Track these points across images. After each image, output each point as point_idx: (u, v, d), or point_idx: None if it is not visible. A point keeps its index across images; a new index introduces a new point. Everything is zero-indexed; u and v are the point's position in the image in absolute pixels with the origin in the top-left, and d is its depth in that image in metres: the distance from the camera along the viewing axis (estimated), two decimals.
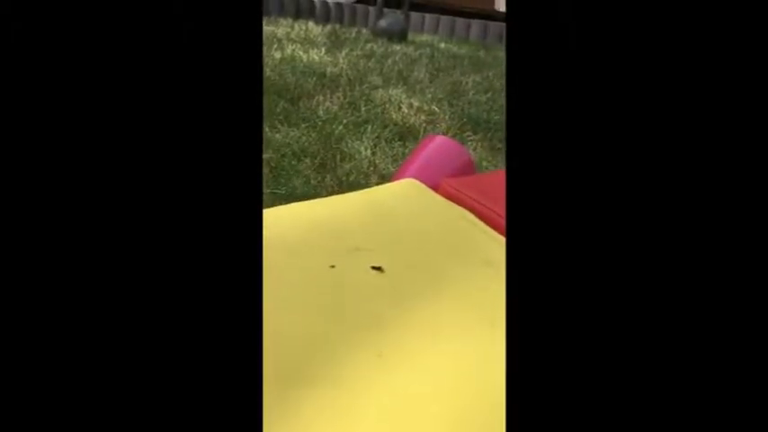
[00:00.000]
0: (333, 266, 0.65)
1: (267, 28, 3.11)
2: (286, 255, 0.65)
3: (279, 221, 0.73)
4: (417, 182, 0.97)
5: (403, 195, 0.90)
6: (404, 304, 0.60)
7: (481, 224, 0.82)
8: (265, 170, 1.35)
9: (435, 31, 4.04)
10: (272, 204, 1.17)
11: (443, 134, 1.85)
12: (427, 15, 4.03)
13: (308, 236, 0.71)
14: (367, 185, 1.35)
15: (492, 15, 4.37)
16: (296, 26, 3.26)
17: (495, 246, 0.76)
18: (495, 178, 1.04)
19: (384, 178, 1.40)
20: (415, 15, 3.94)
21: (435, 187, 1.00)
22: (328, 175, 1.36)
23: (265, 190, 1.25)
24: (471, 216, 0.85)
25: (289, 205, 0.80)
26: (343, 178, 1.34)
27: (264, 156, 1.42)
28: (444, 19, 4.06)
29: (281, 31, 3.08)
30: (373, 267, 0.64)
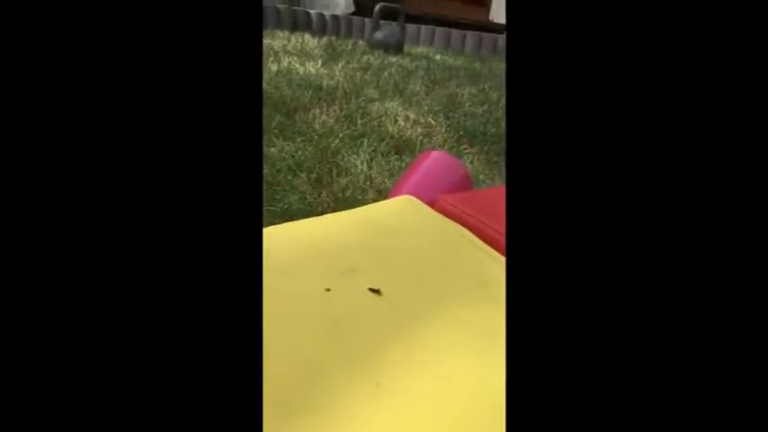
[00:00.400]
0: (328, 289, 0.64)
1: (264, 41, 3.11)
2: (280, 277, 0.64)
3: (272, 242, 0.72)
4: (414, 198, 0.96)
5: (399, 213, 0.89)
6: (402, 329, 0.59)
7: (479, 242, 0.81)
8: None
9: (431, 42, 4.05)
10: (268, 221, 1.16)
11: (440, 147, 1.85)
12: (423, 27, 4.05)
13: (302, 257, 0.70)
14: (363, 201, 1.34)
15: (487, 27, 4.39)
16: (292, 39, 3.27)
17: (494, 265, 0.75)
18: (492, 194, 1.03)
19: (380, 193, 1.39)
20: (410, 27, 3.96)
21: (432, 203, 0.99)
22: (324, 191, 1.35)
23: None
24: (468, 233, 0.84)
25: (282, 225, 0.79)
26: (339, 194, 1.33)
27: None
28: (440, 30, 4.08)
29: (277, 44, 3.09)
30: (371, 290, 0.63)
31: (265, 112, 1.86)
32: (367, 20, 3.75)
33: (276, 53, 2.85)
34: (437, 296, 0.66)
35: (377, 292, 0.62)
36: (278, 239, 0.73)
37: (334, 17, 3.82)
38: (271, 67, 2.52)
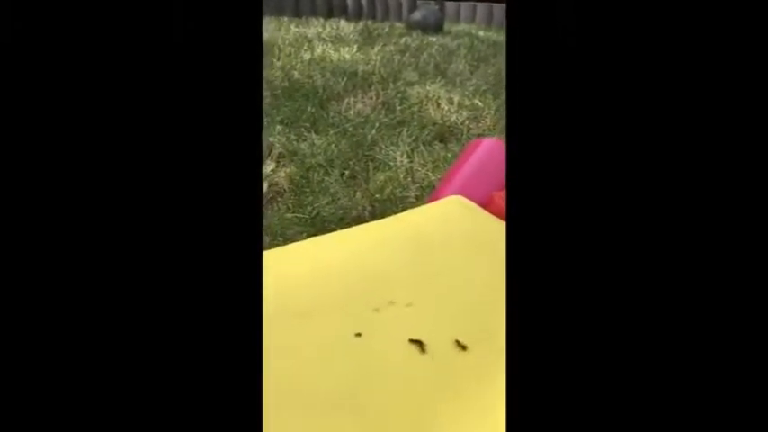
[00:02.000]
0: (358, 334, 0.49)
1: (297, 29, 3.00)
2: (295, 319, 0.50)
3: (286, 268, 0.57)
4: (463, 199, 0.80)
5: (446, 220, 0.73)
6: (450, 392, 0.43)
7: None
8: (287, 187, 1.20)
9: (472, 19, 3.85)
10: (292, 230, 1.02)
11: (489, 132, 1.67)
12: (463, 3, 3.85)
13: (325, 288, 0.55)
14: (404, 200, 1.18)
15: None
16: (327, 25, 3.15)
17: None
18: None
19: (424, 190, 1.22)
20: (450, 4, 3.77)
21: (487, 203, 0.83)
22: (359, 191, 1.20)
23: (286, 213, 1.10)
24: None
25: (299, 244, 0.64)
26: (377, 195, 1.17)
27: (287, 170, 1.27)
28: (481, 6, 3.86)
29: (311, 32, 2.96)
30: (411, 341, 0.47)
31: (296, 103, 1.72)
32: (404, 0, 3.58)
33: (310, 41, 2.71)
34: (497, 339, 0.50)
35: (419, 344, 0.47)
36: (292, 264, 0.58)
37: (370, 0, 3.68)
38: (303, 55, 2.39)
